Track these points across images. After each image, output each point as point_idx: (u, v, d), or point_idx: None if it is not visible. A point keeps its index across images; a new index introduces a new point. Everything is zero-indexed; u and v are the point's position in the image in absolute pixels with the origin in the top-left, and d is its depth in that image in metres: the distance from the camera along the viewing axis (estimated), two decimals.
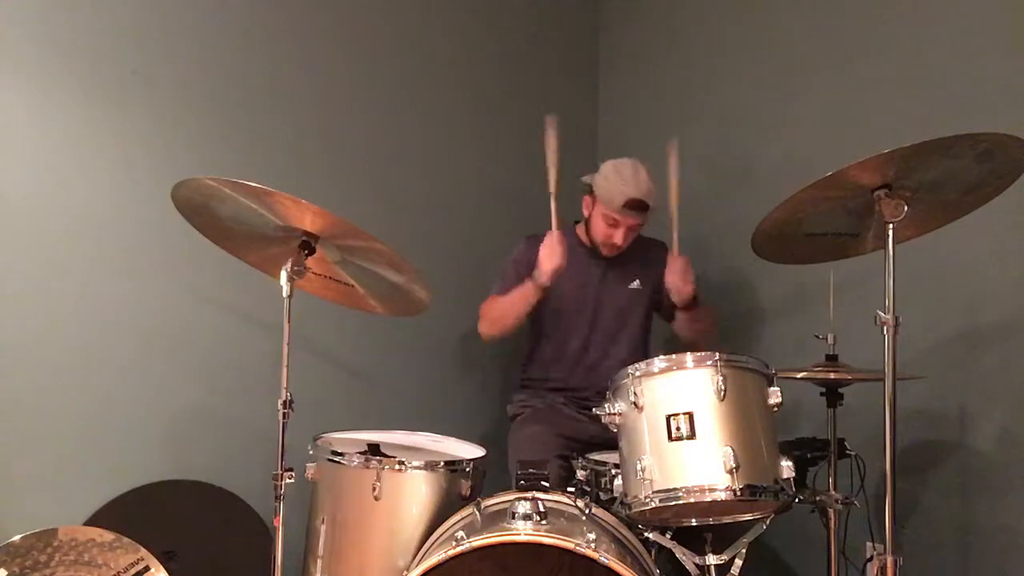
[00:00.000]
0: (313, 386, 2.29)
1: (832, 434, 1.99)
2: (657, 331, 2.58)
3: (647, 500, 1.62)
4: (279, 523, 1.75)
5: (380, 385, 2.71)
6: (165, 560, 2.00)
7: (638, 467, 1.63)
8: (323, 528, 1.90)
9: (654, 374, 1.69)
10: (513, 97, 3.07)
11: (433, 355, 2.84)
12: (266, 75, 2.53)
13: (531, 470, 1.76)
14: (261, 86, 2.52)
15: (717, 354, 1.66)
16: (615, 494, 1.76)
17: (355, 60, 2.71)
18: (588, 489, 2.01)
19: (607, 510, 1.79)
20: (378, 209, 2.65)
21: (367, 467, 1.85)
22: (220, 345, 2.41)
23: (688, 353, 1.68)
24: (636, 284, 2.49)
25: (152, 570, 1.96)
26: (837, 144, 2.37)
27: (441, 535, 1.74)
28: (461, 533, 1.52)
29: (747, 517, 1.70)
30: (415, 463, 1.88)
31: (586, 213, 2.46)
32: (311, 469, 1.92)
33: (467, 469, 1.92)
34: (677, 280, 2.30)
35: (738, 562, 1.70)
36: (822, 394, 2.02)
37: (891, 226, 1.58)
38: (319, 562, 1.90)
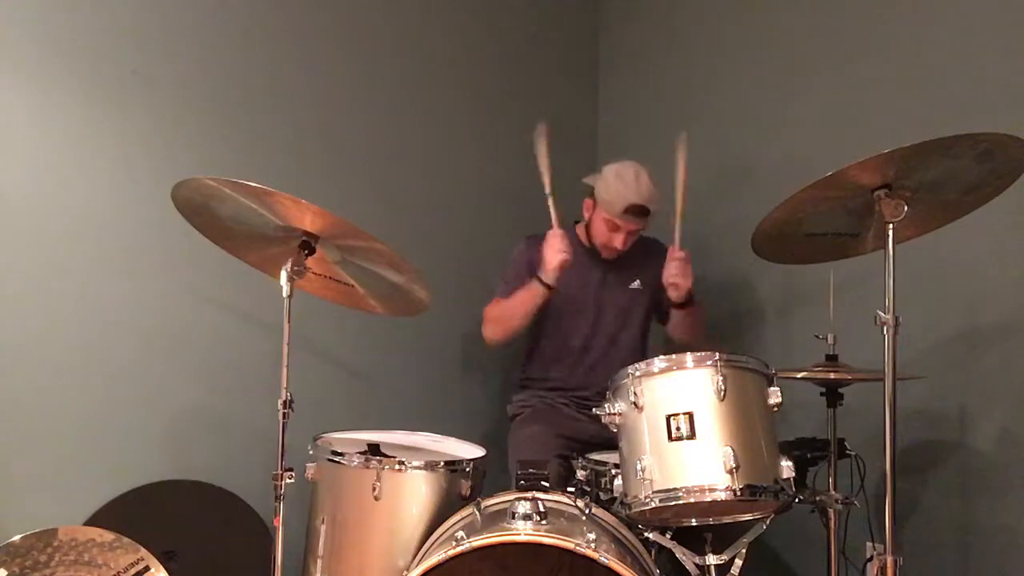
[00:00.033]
0: (313, 386, 2.29)
1: (832, 434, 1.99)
2: (656, 331, 2.58)
3: (647, 500, 1.62)
4: (279, 523, 1.75)
5: (380, 385, 2.71)
6: (165, 560, 2.00)
7: (638, 467, 1.63)
8: (323, 528, 1.90)
9: (654, 374, 1.68)
10: (513, 97, 3.07)
11: (433, 355, 2.83)
12: (266, 75, 2.53)
13: (531, 470, 1.76)
14: (261, 86, 2.52)
15: (717, 354, 1.66)
16: (615, 494, 1.76)
17: (355, 60, 2.71)
18: (588, 489, 2.01)
19: (607, 510, 1.79)
20: (378, 209, 2.65)
21: (367, 467, 1.85)
22: (220, 345, 2.41)
23: (688, 353, 1.68)
24: (636, 284, 2.49)
25: (152, 570, 1.96)
26: (837, 144, 2.36)
27: (441, 535, 1.74)
28: (461, 533, 1.52)
29: (747, 517, 1.70)
30: (415, 463, 1.87)
31: (587, 215, 2.45)
32: (311, 469, 1.92)
33: (467, 469, 1.92)
34: (677, 274, 2.28)
35: (738, 562, 1.70)
36: (822, 394, 2.02)
37: (891, 226, 1.58)
38: (319, 562, 1.89)
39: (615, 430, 1.75)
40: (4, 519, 2.04)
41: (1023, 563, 2.00)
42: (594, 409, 1.78)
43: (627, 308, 2.49)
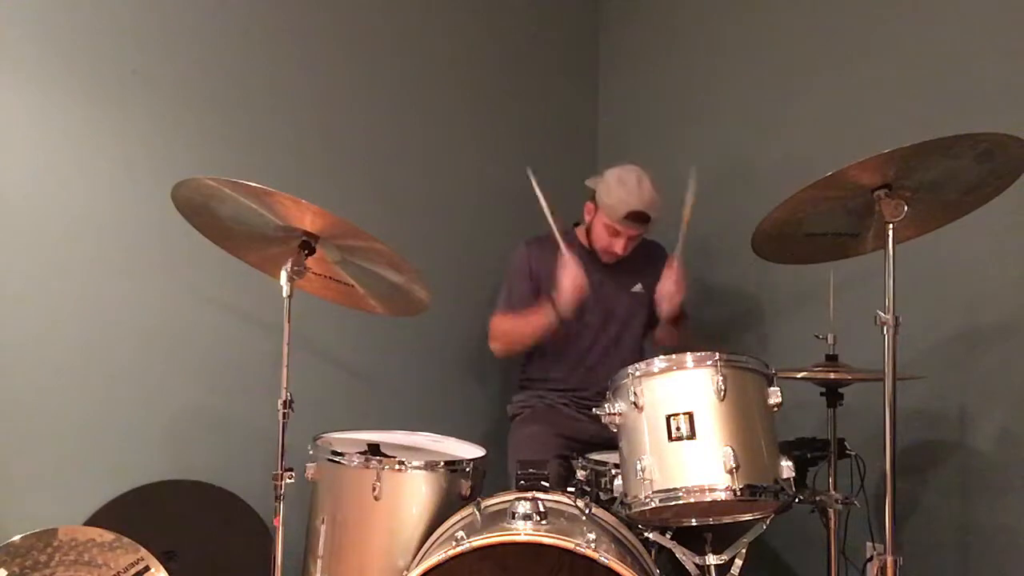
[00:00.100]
0: (313, 386, 2.29)
1: (832, 434, 1.99)
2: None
3: (647, 500, 1.62)
4: (279, 523, 1.75)
5: (380, 385, 2.71)
6: (165, 560, 2.00)
7: (638, 467, 1.63)
8: (323, 528, 1.90)
9: (654, 374, 1.68)
10: (513, 97, 3.07)
11: (433, 355, 2.83)
12: (266, 75, 2.52)
13: (531, 470, 1.76)
14: (261, 86, 2.51)
15: (717, 354, 1.66)
16: (615, 494, 1.76)
17: (355, 60, 2.71)
18: (588, 489, 2.01)
19: (607, 510, 1.79)
20: (378, 209, 2.65)
21: (367, 467, 1.85)
22: (220, 345, 2.41)
23: (688, 353, 1.68)
24: (638, 288, 2.49)
25: (152, 570, 1.96)
26: (837, 144, 2.37)
27: (441, 535, 1.74)
28: (461, 533, 1.52)
29: (747, 517, 1.70)
30: (415, 463, 1.87)
31: (588, 219, 2.44)
32: (311, 469, 1.91)
33: (467, 469, 1.92)
34: (672, 290, 2.29)
35: (738, 562, 1.70)
36: (822, 394, 2.02)
37: (891, 226, 1.58)
38: (319, 562, 1.89)
39: (615, 430, 1.75)
40: (4, 519, 2.04)
41: (1023, 563, 2.00)
42: (594, 409, 1.78)
43: (628, 311, 2.49)
